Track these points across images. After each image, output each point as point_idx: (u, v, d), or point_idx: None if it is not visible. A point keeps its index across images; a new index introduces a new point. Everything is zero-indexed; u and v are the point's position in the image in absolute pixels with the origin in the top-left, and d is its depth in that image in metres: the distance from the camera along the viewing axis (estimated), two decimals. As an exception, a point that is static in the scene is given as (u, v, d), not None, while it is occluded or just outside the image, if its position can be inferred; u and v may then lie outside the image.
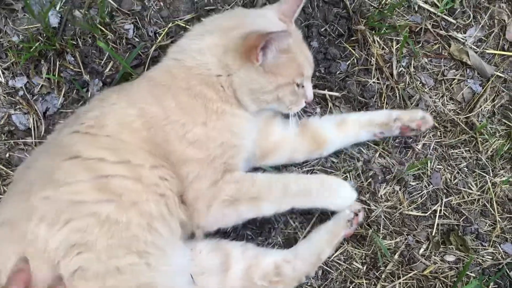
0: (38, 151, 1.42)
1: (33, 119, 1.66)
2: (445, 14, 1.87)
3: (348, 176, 1.73)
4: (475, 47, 1.87)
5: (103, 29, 1.68)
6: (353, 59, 1.82)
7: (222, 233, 1.58)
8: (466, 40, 1.87)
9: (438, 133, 1.80)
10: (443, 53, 1.87)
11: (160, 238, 1.31)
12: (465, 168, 1.78)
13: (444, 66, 1.86)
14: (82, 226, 1.19)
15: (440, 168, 1.77)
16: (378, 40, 1.82)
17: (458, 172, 1.77)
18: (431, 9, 1.87)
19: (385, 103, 1.80)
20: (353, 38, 1.83)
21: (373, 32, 1.82)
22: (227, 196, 1.40)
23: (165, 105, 1.36)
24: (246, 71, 1.41)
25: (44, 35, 1.65)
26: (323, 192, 1.51)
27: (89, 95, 1.67)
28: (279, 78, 1.44)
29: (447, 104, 1.83)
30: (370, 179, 1.73)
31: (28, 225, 1.17)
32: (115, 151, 1.30)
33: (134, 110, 1.35)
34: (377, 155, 1.75)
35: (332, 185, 1.53)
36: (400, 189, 1.74)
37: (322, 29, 1.83)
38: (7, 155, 1.65)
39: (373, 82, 1.81)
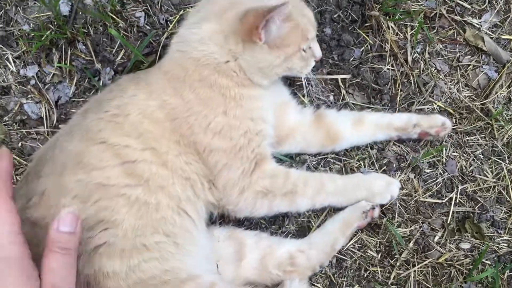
0: (62, 133, 1.41)
1: (45, 108, 1.65)
2: (460, 0, 1.84)
3: (362, 164, 1.71)
4: (490, 33, 1.84)
5: (114, 17, 1.66)
6: (367, 46, 1.80)
7: (237, 221, 1.58)
8: (481, 26, 1.84)
9: (454, 120, 1.78)
10: (458, 39, 1.84)
11: (188, 220, 1.36)
12: (480, 155, 1.76)
13: (459, 52, 1.83)
14: (111, 205, 1.24)
15: (455, 155, 1.75)
16: (393, 26, 1.80)
17: (473, 159, 1.75)
18: (446, -6, 1.84)
19: (399, 90, 1.77)
20: (367, 24, 1.80)
21: (387, 18, 1.79)
22: (260, 187, 1.43)
23: (184, 97, 1.37)
24: (250, 52, 1.39)
25: (55, 23, 1.63)
26: (362, 190, 1.57)
27: (100, 84, 1.66)
28: (286, 50, 1.42)
29: (463, 90, 1.80)
30: (384, 167, 1.72)
31: (60, 200, 1.21)
32: (140, 139, 1.33)
33: (155, 102, 1.36)
34: (391, 143, 1.73)
35: (369, 183, 1.59)
36: (415, 177, 1.72)
37: (335, 15, 1.80)
38: (20, 144, 1.64)
39: (387, 69, 1.79)
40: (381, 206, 1.64)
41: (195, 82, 1.37)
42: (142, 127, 1.35)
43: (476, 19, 1.85)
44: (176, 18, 1.72)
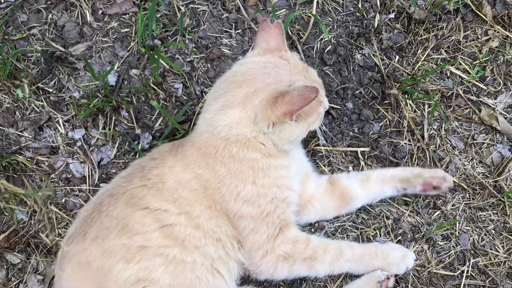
0: (105, 195, 1.56)
1: (88, 168, 1.82)
2: (476, 81, 1.96)
3: (378, 232, 1.81)
4: (505, 113, 1.95)
5: (155, 88, 1.84)
6: (386, 121, 1.93)
7: (257, 283, 1.69)
8: (496, 106, 1.95)
9: (467, 195, 1.87)
10: (473, 117, 1.95)
11: (221, 280, 1.50)
12: (492, 230, 1.84)
13: (474, 130, 1.94)
14: (150, 265, 1.40)
15: (468, 229, 1.84)
16: (411, 103, 1.92)
17: (485, 234, 1.83)
18: (463, 75, 1.96)
19: (415, 164, 1.88)
20: (386, 101, 1.93)
21: (406, 96, 1.92)
22: (282, 252, 1.56)
23: (216, 171, 1.51)
24: (280, 129, 1.51)
25: (102, 92, 1.81)
26: (378, 259, 1.66)
27: (139, 148, 1.82)
28: (309, 119, 1.57)
29: (476, 167, 1.90)
30: (399, 237, 1.81)
31: (106, 262, 1.38)
32: (176, 204, 1.49)
33: (190, 175, 1.51)
34: (406, 214, 1.83)
35: (386, 253, 1.68)
36: (428, 248, 1.81)
37: (357, 92, 1.94)
38: (63, 200, 1.80)
39: (405, 143, 1.90)
40: (395, 275, 1.72)
41: (225, 159, 1.51)
42: (177, 193, 1.50)
43: (492, 99, 1.97)
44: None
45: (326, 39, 1.93)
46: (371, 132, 1.92)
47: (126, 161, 1.83)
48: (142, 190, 1.50)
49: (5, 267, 1.74)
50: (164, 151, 1.60)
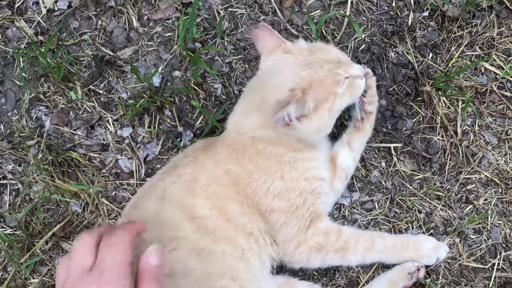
0: (143, 193, 1.71)
1: (135, 163, 1.96)
2: (510, 76, 1.98)
3: (410, 226, 1.88)
4: (539, 109, 1.96)
5: (196, 88, 1.95)
6: (419, 117, 1.98)
7: (291, 271, 1.79)
8: (531, 101, 1.96)
9: (499, 190, 1.90)
10: (507, 113, 1.97)
11: (253, 266, 1.59)
12: (525, 225, 1.87)
13: (508, 125, 1.96)
14: (182, 254, 1.49)
15: (500, 223, 1.88)
16: (444, 100, 1.96)
17: (518, 228, 1.87)
18: (497, 71, 1.98)
19: (448, 159, 1.93)
20: (419, 98, 1.98)
21: (439, 92, 1.96)
22: (314, 243, 1.65)
23: (245, 166, 1.61)
24: (294, 130, 1.54)
25: (148, 93, 1.94)
26: (410, 251, 1.73)
27: (181, 144, 1.94)
28: (325, 105, 1.52)
29: (510, 162, 1.93)
30: (431, 230, 1.87)
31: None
32: (208, 200, 1.59)
33: (221, 170, 1.62)
34: (439, 208, 1.89)
35: (418, 244, 1.74)
36: (460, 242, 1.86)
37: (391, 89, 2.00)
38: (113, 193, 1.95)
39: (438, 139, 1.95)
40: (426, 267, 1.79)
41: (253, 156, 1.61)
42: (210, 189, 1.60)
43: (526, 95, 1.98)
44: (248, 89, 1.98)
45: (360, 38, 1.99)
46: (404, 129, 1.97)
47: (170, 157, 1.96)
48: (171, 186, 1.61)
49: (60, 254, 1.92)
50: (197, 149, 1.71)
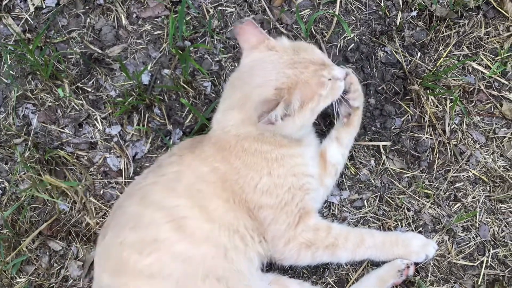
0: (127, 193, 1.71)
1: (124, 162, 1.94)
2: (497, 76, 2.00)
3: (399, 224, 1.88)
4: (526, 107, 1.98)
5: (185, 86, 1.95)
6: (408, 116, 1.99)
7: (281, 269, 1.79)
8: (517, 100, 1.98)
9: (488, 188, 1.92)
10: (495, 112, 1.99)
11: (238, 264, 1.55)
12: (512, 222, 1.88)
13: (496, 124, 1.98)
14: (160, 256, 1.48)
15: (488, 221, 1.89)
16: (432, 98, 1.98)
17: (505, 226, 1.88)
18: (484, 70, 2.00)
19: (437, 157, 1.94)
20: (408, 97, 1.99)
21: (427, 91, 1.97)
22: (304, 239, 1.63)
23: (232, 163, 1.60)
24: (278, 127, 1.54)
25: (137, 91, 1.93)
26: (399, 247, 1.73)
27: (171, 143, 1.93)
28: (309, 105, 1.54)
29: (497, 160, 1.95)
30: (420, 228, 1.88)
31: (121, 253, 1.48)
32: (191, 199, 1.56)
33: (208, 168, 1.60)
34: (427, 205, 1.89)
35: (407, 241, 1.74)
36: (448, 239, 1.87)
37: (379, 88, 2.01)
38: (101, 191, 1.94)
39: (426, 138, 1.96)
40: (416, 264, 1.79)
41: (239, 153, 1.60)
42: (194, 188, 1.58)
43: (513, 94, 2.00)
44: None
45: (349, 37, 2.00)
46: (393, 127, 1.98)
47: (159, 155, 1.95)
48: (153, 188, 1.59)
49: (47, 253, 1.89)
50: (184, 148, 1.70)
